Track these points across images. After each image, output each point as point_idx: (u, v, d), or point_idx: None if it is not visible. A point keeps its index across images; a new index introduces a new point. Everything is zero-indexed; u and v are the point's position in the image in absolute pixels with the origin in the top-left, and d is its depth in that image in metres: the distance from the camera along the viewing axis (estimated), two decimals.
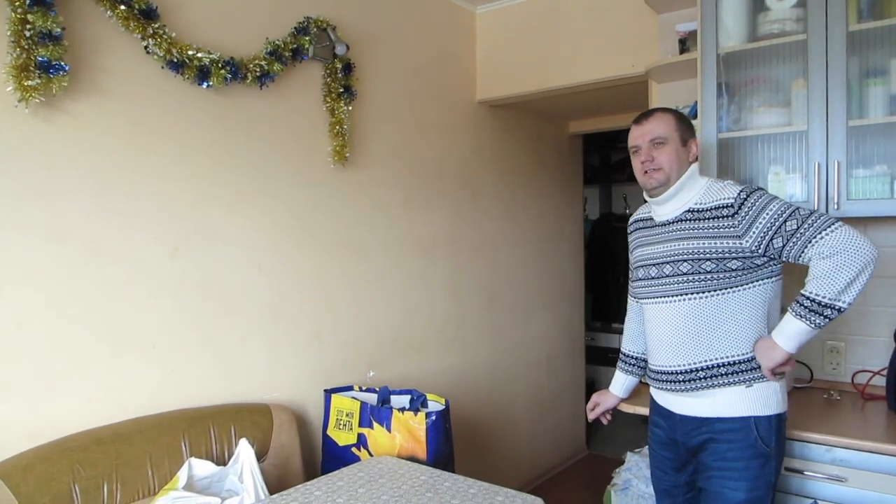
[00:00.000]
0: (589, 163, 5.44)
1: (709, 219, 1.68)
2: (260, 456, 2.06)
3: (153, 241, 1.99)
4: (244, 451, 1.90)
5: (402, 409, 2.18)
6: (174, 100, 2.04)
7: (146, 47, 1.90)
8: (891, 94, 2.06)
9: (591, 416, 2.10)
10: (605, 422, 2.12)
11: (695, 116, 2.36)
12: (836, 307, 1.55)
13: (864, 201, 2.06)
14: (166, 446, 1.87)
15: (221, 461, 1.95)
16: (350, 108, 2.54)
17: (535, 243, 3.97)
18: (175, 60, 1.94)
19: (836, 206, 2.07)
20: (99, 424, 1.84)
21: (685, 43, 2.57)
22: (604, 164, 5.80)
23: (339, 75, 2.51)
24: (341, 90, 2.51)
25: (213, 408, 2.07)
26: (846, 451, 1.81)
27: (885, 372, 2.14)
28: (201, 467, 1.84)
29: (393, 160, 2.87)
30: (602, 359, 5.42)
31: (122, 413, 1.90)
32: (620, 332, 2.12)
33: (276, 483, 2.04)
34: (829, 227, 1.56)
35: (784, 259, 1.64)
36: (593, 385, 5.34)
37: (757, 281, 1.68)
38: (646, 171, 1.75)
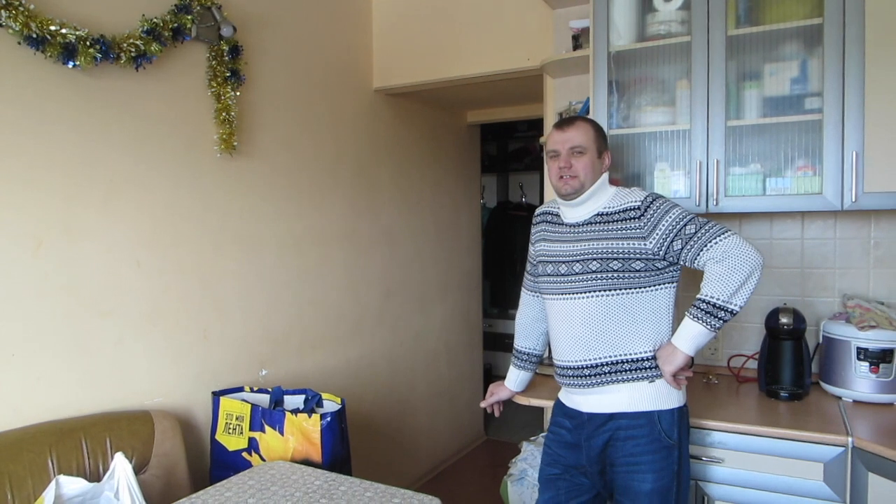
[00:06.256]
0: (486, 151, 5.49)
1: (617, 221, 1.75)
2: (141, 467, 1.92)
3: (12, 237, 1.79)
4: (120, 465, 1.76)
5: (295, 411, 2.10)
6: (36, 80, 1.83)
7: None
8: (764, 97, 2.19)
9: (484, 405, 2.16)
10: (496, 413, 2.17)
11: (587, 113, 2.41)
12: (729, 309, 1.65)
13: (740, 198, 2.18)
14: (29, 464, 1.69)
15: (95, 477, 1.80)
16: (238, 93, 2.39)
17: (433, 233, 3.96)
18: (34, 36, 1.74)
19: (715, 202, 2.18)
20: None
21: (578, 39, 2.62)
22: (501, 153, 5.89)
23: (226, 58, 2.35)
24: (228, 74, 2.35)
25: (85, 418, 1.90)
26: (723, 434, 1.92)
27: (757, 356, 2.31)
28: (71, 485, 1.69)
29: (285, 150, 2.74)
30: (500, 345, 5.54)
31: None
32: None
33: (159, 496, 1.91)
34: (722, 234, 1.67)
35: (682, 262, 1.73)
36: (490, 371, 5.45)
37: (659, 285, 1.75)
38: (562, 177, 1.79)
